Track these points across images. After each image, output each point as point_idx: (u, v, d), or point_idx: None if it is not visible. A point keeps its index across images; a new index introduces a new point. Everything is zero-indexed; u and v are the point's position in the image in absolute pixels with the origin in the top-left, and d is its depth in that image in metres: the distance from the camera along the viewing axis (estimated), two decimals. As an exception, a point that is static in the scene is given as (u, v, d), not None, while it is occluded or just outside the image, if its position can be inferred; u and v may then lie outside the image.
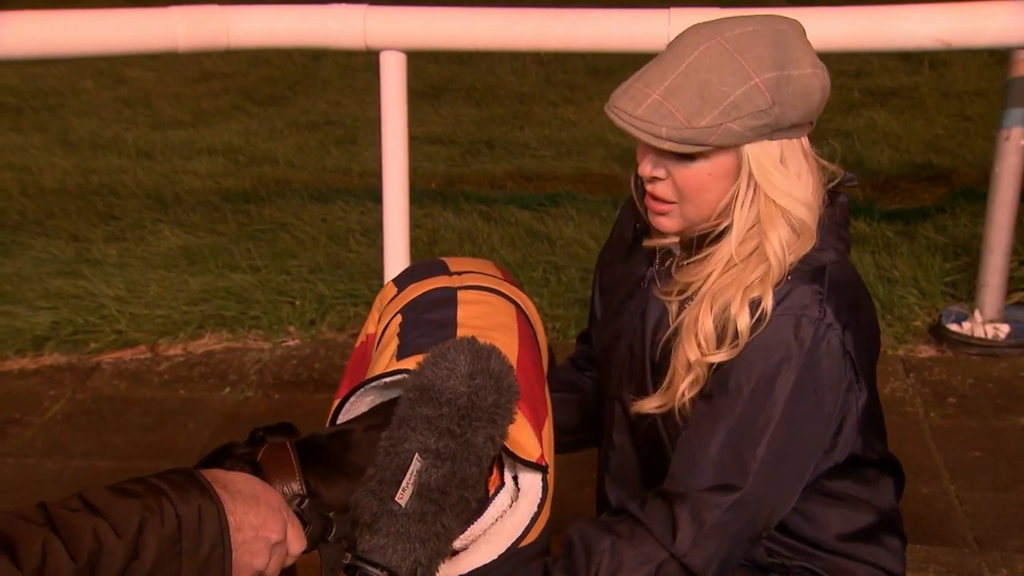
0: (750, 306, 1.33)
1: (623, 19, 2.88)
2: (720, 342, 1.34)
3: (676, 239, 1.44)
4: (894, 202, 4.28)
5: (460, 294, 1.58)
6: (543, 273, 3.59)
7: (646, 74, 1.34)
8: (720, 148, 1.32)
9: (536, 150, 5.18)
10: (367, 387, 1.41)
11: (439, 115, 5.85)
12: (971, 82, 6.02)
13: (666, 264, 1.45)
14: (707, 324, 1.34)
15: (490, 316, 1.55)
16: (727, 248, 1.35)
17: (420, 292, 1.60)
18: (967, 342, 3.14)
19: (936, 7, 2.89)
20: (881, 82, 6.18)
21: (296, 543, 1.14)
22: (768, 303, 1.32)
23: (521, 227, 4.01)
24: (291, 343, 3.33)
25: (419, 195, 4.11)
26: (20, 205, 4.40)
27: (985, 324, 3.17)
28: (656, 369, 1.44)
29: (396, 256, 3.10)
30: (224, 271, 3.66)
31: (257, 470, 1.28)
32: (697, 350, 1.35)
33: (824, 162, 1.41)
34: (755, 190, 1.34)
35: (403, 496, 1.21)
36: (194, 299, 3.47)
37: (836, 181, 1.44)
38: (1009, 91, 3.05)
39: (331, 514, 1.24)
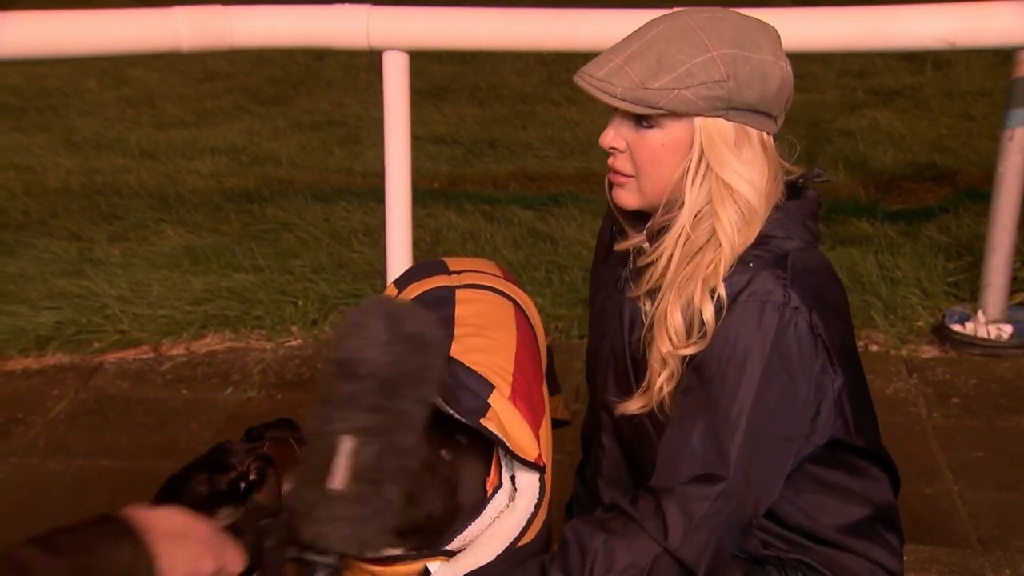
0: (710, 295, 1.35)
1: (625, 19, 2.88)
2: (689, 334, 1.36)
3: (643, 236, 1.45)
4: (897, 202, 4.28)
5: (458, 293, 1.59)
6: (545, 273, 3.59)
7: (615, 46, 1.39)
8: (673, 116, 1.35)
9: (539, 150, 5.18)
10: None
11: (442, 115, 5.85)
12: (975, 82, 6.01)
13: (638, 263, 1.46)
14: (676, 317, 1.37)
15: (488, 315, 1.55)
16: (680, 223, 1.37)
17: (419, 292, 1.61)
18: (970, 342, 3.14)
19: (940, 7, 2.88)
20: (885, 82, 6.18)
21: (234, 563, 1.11)
22: (722, 291, 1.35)
23: (524, 227, 4.01)
24: (294, 343, 3.33)
25: (422, 195, 4.11)
26: (24, 205, 4.41)
27: (988, 324, 3.17)
28: (637, 368, 1.46)
29: (398, 256, 3.11)
30: (227, 271, 3.66)
31: (269, 463, 1.28)
32: (669, 343, 1.37)
33: (786, 163, 1.43)
34: (706, 167, 1.36)
35: (337, 480, 1.16)
36: (197, 299, 3.47)
37: (804, 176, 1.46)
38: (1013, 91, 3.04)
39: (265, 521, 1.22)
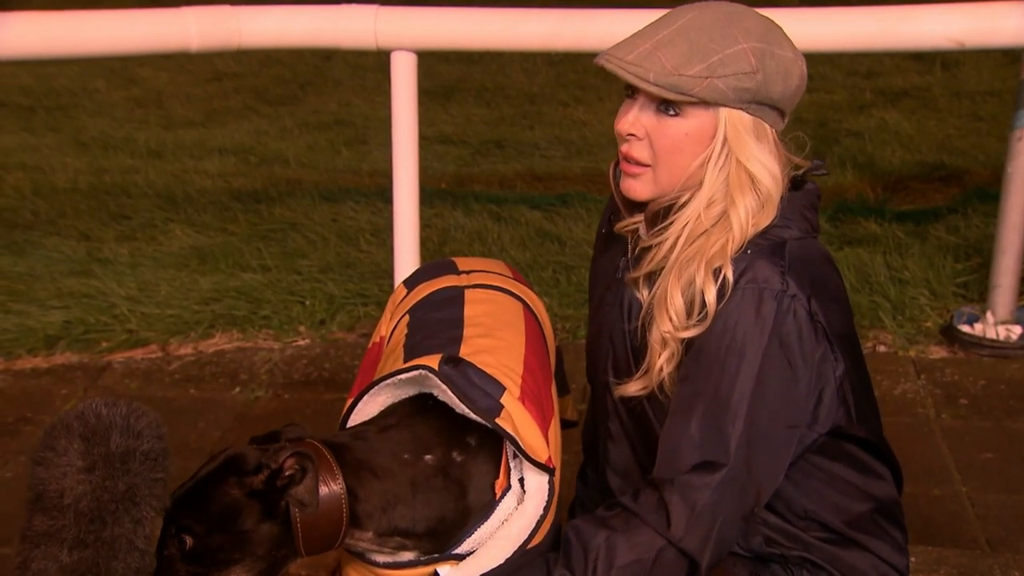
0: (714, 276, 1.35)
1: (633, 19, 2.88)
2: (689, 315, 1.36)
3: (641, 217, 1.45)
4: (905, 202, 4.27)
5: (467, 293, 1.59)
6: (553, 273, 3.59)
7: (641, 31, 1.39)
8: (701, 106, 1.35)
9: (546, 150, 5.18)
10: (379, 386, 1.41)
11: (449, 115, 5.85)
12: (983, 82, 5.99)
13: (637, 251, 1.46)
14: (676, 298, 1.37)
15: (497, 315, 1.55)
16: (693, 209, 1.37)
17: (428, 292, 1.61)
18: (979, 343, 3.13)
19: (950, 7, 2.88)
20: (893, 82, 6.16)
21: None
22: (728, 272, 1.35)
23: (531, 227, 4.01)
24: (301, 343, 3.34)
25: (429, 195, 4.12)
26: (33, 205, 4.42)
27: (997, 325, 3.16)
28: (637, 356, 1.45)
29: (406, 256, 3.11)
30: (235, 271, 3.67)
31: (307, 458, 1.27)
32: (669, 324, 1.37)
33: (793, 157, 1.44)
34: (727, 155, 1.36)
35: None
36: (205, 298, 3.48)
37: (804, 169, 1.47)
38: (1022, 91, 3.03)
39: None
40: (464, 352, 1.42)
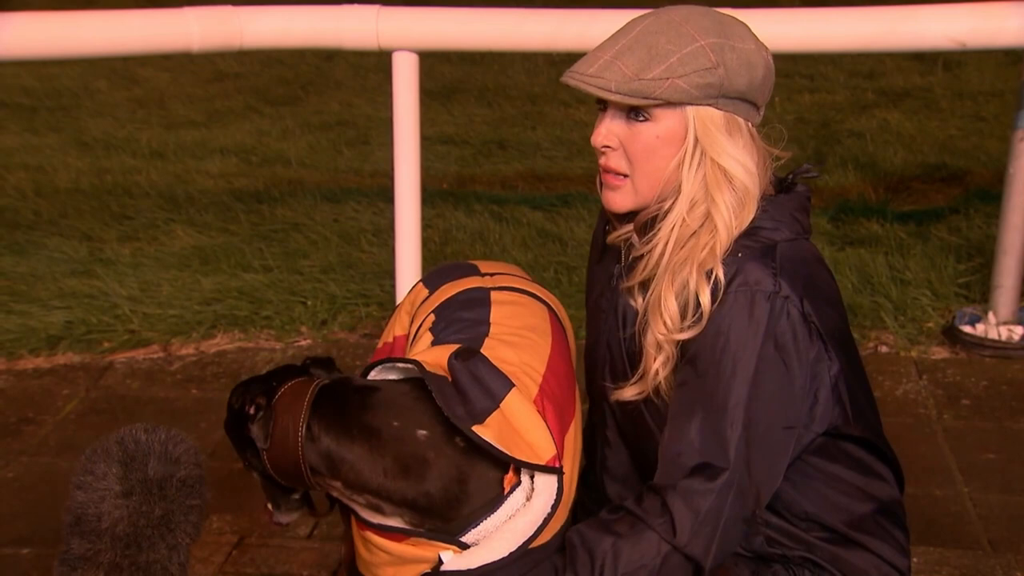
0: (707, 277, 1.36)
1: (635, 19, 2.88)
2: (683, 318, 1.37)
3: (632, 227, 1.46)
4: (907, 203, 4.27)
5: (494, 295, 1.59)
6: (554, 273, 3.59)
7: (601, 45, 1.40)
8: (667, 107, 1.36)
9: (548, 150, 5.18)
10: (387, 366, 1.43)
11: (451, 115, 5.86)
12: (985, 83, 6.00)
13: (630, 260, 1.47)
14: (670, 303, 1.37)
15: (523, 317, 1.55)
16: (677, 212, 1.38)
17: (454, 292, 1.61)
18: (981, 344, 3.13)
19: (952, 8, 2.88)
20: (895, 82, 6.16)
21: None
22: (719, 273, 1.35)
23: (533, 227, 4.02)
24: (303, 343, 3.34)
25: (431, 195, 4.12)
26: (34, 205, 4.42)
27: (999, 326, 3.16)
28: (633, 363, 1.46)
29: (408, 256, 3.11)
30: (236, 271, 3.67)
31: (262, 409, 1.34)
32: (664, 328, 1.38)
33: (772, 149, 1.44)
34: (701, 153, 1.37)
35: None
36: (207, 299, 3.48)
37: (794, 172, 1.47)
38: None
39: None
40: (486, 347, 1.42)
